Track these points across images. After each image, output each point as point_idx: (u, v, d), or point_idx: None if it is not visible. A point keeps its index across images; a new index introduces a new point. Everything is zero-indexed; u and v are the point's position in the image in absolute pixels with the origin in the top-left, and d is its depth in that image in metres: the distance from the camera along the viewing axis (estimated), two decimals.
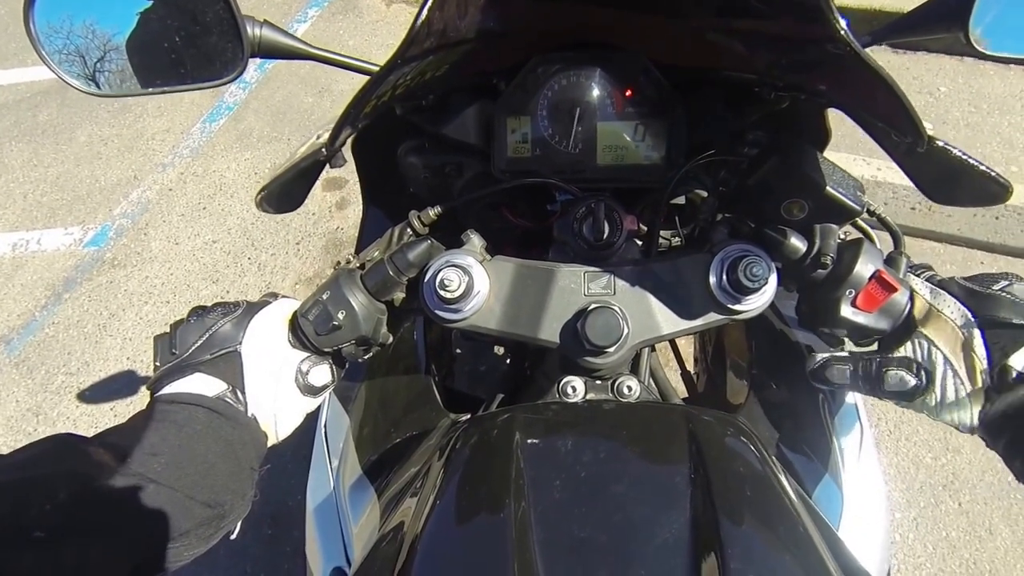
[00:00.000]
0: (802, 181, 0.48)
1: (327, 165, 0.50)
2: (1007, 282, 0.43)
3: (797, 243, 0.48)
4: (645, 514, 0.37)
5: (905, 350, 0.44)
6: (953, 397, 0.41)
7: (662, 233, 0.73)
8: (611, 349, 0.47)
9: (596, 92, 0.59)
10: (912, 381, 0.43)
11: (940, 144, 0.41)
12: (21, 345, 1.90)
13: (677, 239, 0.70)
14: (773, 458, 0.46)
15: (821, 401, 0.61)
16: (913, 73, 2.38)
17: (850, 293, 0.46)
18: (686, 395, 0.92)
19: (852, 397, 0.62)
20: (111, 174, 2.40)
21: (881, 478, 0.60)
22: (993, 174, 0.43)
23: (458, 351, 0.86)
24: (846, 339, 0.50)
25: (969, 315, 0.41)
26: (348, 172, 2.29)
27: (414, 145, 0.64)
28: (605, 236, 0.52)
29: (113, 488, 0.35)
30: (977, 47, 0.43)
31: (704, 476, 0.39)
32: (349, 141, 0.67)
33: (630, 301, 0.49)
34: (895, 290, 0.45)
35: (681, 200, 0.71)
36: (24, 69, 2.87)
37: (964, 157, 0.42)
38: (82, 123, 2.61)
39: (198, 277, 2.05)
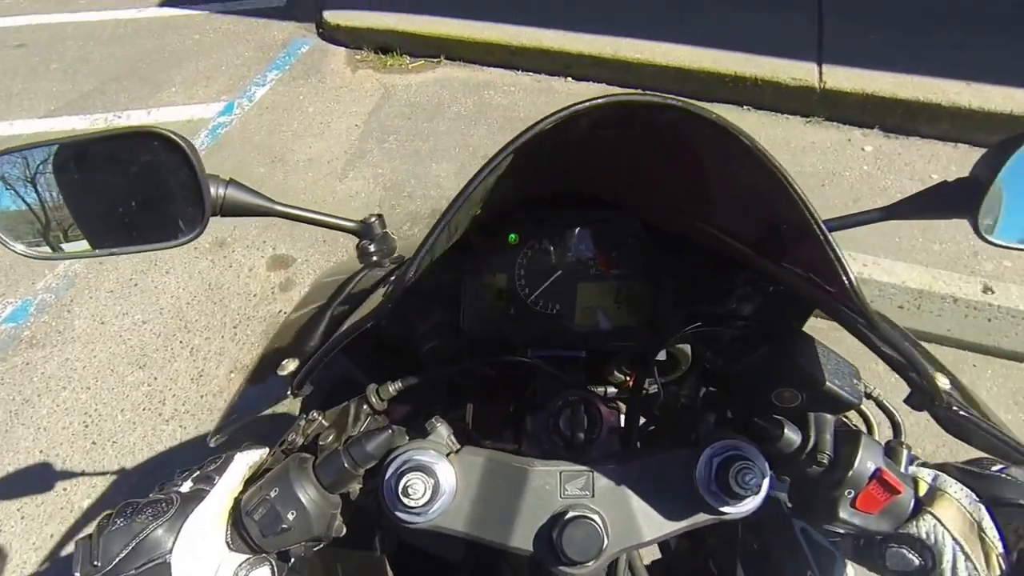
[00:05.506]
0: (798, 373, 0.50)
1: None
2: (1003, 465, 0.44)
3: (791, 435, 0.49)
4: None
5: (910, 528, 0.44)
6: None
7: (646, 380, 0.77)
8: (589, 564, 0.47)
9: (579, 253, 0.62)
10: (916, 562, 0.43)
11: (958, 414, 0.44)
12: None
13: (655, 387, 0.73)
14: None
15: None
16: (905, 159, 2.50)
17: (849, 493, 0.46)
18: None
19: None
20: None
21: None
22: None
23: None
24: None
25: (974, 496, 0.42)
26: (297, 249, 2.38)
27: None
28: (582, 433, 0.54)
29: None
30: (985, 236, 0.49)
31: None
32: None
33: (610, 504, 0.49)
34: (898, 492, 0.46)
35: (662, 356, 0.73)
36: None
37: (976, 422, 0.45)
38: None
39: (123, 361, 2.08)
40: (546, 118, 0.38)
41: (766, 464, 0.48)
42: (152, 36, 3.58)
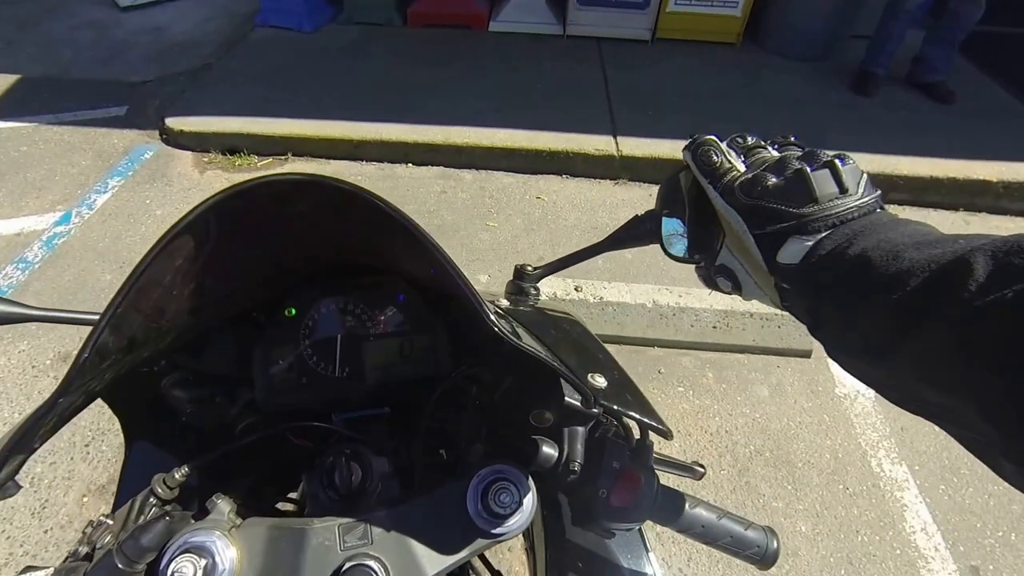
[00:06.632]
0: (541, 394, 0.55)
1: None
2: (779, 178, 0.46)
3: (549, 451, 0.53)
4: None
5: (722, 258, 0.52)
6: (757, 294, 0.51)
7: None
8: None
9: (355, 316, 0.66)
10: (730, 284, 0.52)
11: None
12: None
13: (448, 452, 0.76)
14: None
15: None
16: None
17: (603, 493, 0.52)
18: None
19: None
20: None
21: None
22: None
23: None
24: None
25: (744, 226, 0.47)
26: None
27: (178, 378, 0.65)
28: (355, 484, 0.56)
29: None
30: (669, 252, 0.60)
31: None
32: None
33: (389, 548, 0.49)
34: (639, 482, 0.52)
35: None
36: None
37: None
38: None
39: None
40: (197, 206, 0.43)
41: (527, 481, 0.52)
42: None
